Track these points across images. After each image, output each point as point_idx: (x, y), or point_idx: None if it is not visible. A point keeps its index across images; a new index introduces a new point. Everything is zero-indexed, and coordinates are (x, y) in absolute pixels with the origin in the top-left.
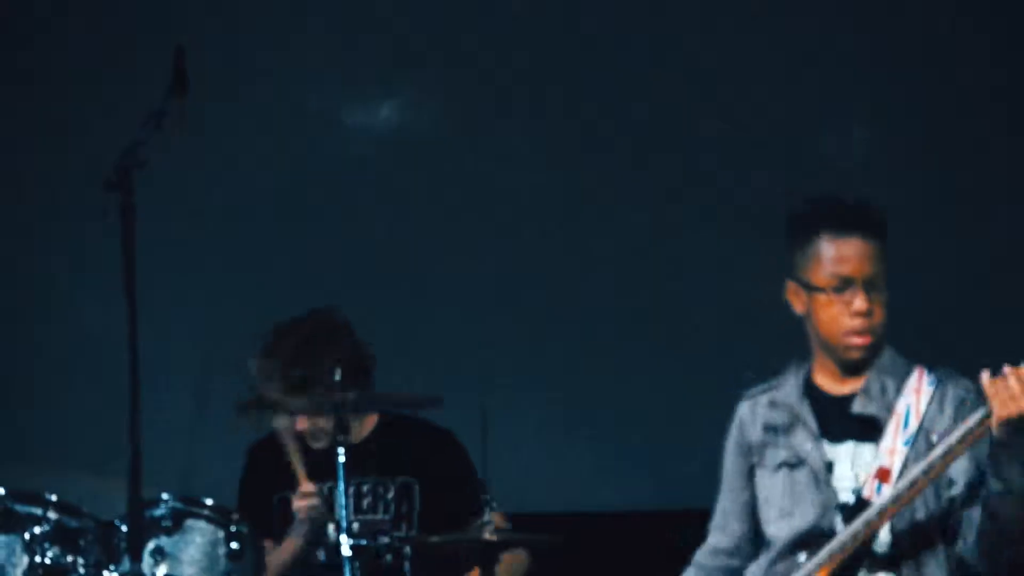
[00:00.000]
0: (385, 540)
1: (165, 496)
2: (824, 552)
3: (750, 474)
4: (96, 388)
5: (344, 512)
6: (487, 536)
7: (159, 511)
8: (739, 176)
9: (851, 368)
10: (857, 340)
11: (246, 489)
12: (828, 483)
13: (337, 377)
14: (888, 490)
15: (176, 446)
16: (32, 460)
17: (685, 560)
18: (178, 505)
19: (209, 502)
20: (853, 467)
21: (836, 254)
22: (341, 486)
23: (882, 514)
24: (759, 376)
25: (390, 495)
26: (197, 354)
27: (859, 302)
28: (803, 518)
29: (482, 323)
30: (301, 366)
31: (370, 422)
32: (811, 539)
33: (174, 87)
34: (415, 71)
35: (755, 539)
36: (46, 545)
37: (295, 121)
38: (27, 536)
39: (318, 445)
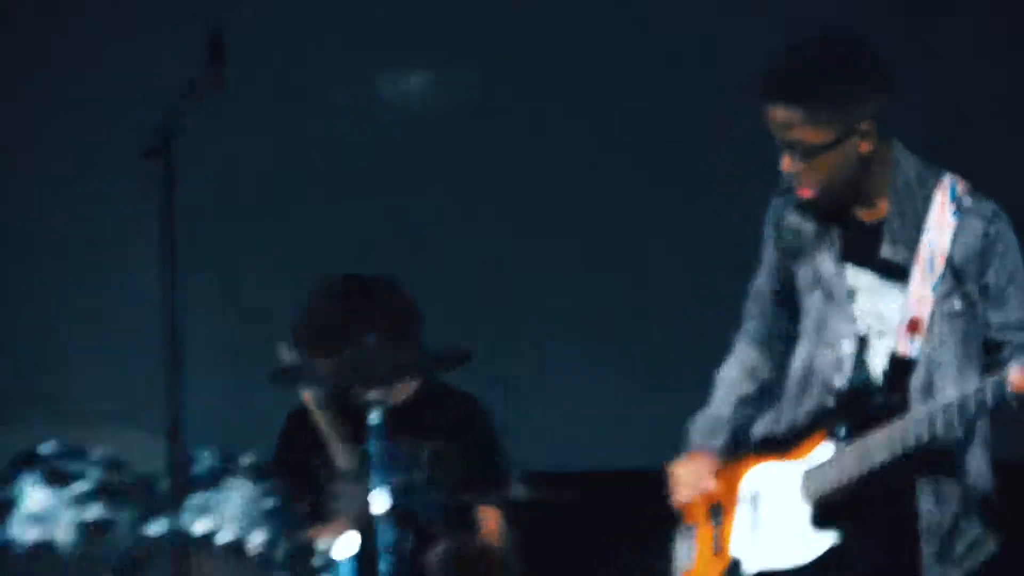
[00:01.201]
0: (418, 500)
1: (206, 453)
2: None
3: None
4: (132, 347)
5: (379, 472)
6: (513, 496)
7: (200, 468)
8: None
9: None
10: (800, 193)
11: (282, 453)
12: (851, 314)
13: (372, 342)
14: (919, 344)
15: (217, 406)
16: (68, 417)
17: None
18: (218, 463)
19: (248, 461)
20: (874, 304)
21: (770, 123)
22: (375, 447)
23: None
24: None
25: (424, 457)
26: (236, 319)
27: (784, 162)
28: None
29: (510, 284)
30: (332, 330)
31: (408, 386)
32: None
33: (211, 56)
34: (453, 39)
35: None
36: (91, 501)
37: (329, 88)
38: (72, 492)
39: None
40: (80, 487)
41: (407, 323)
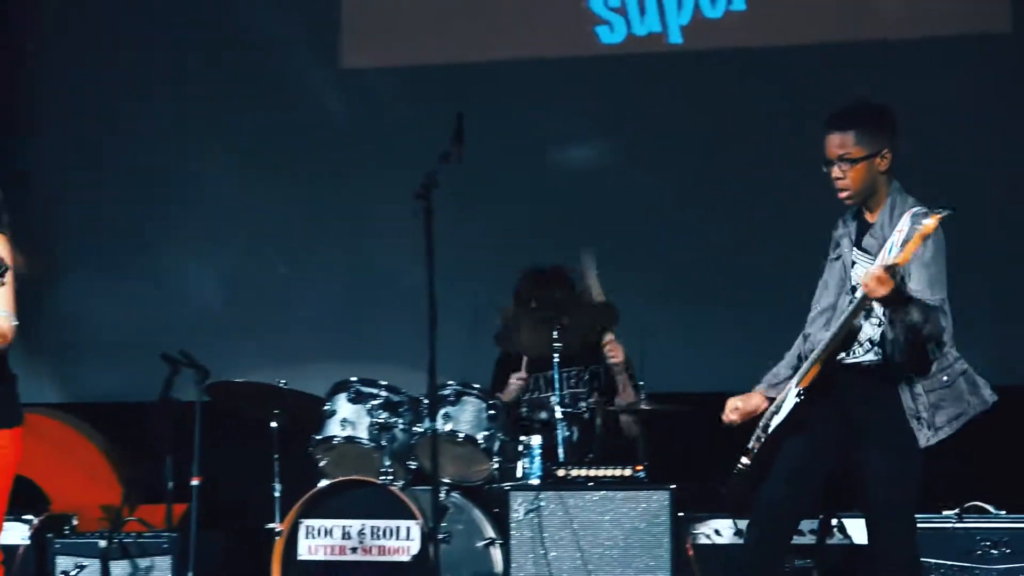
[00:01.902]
0: (582, 405)
1: (450, 382)
2: (821, 344)
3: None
4: (409, 313)
5: (559, 388)
6: (643, 406)
7: (447, 391)
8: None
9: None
10: (840, 195)
11: (498, 379)
12: (851, 276)
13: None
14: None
15: (458, 349)
16: (370, 361)
17: None
18: (458, 387)
19: (477, 386)
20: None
21: (827, 147)
22: (557, 374)
23: (837, 334)
24: None
25: (586, 377)
26: (472, 285)
27: (834, 172)
28: (828, 299)
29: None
30: (536, 299)
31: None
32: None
33: (455, 136)
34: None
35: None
36: (380, 411)
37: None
38: (368, 405)
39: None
40: (373, 402)
41: (577, 298)
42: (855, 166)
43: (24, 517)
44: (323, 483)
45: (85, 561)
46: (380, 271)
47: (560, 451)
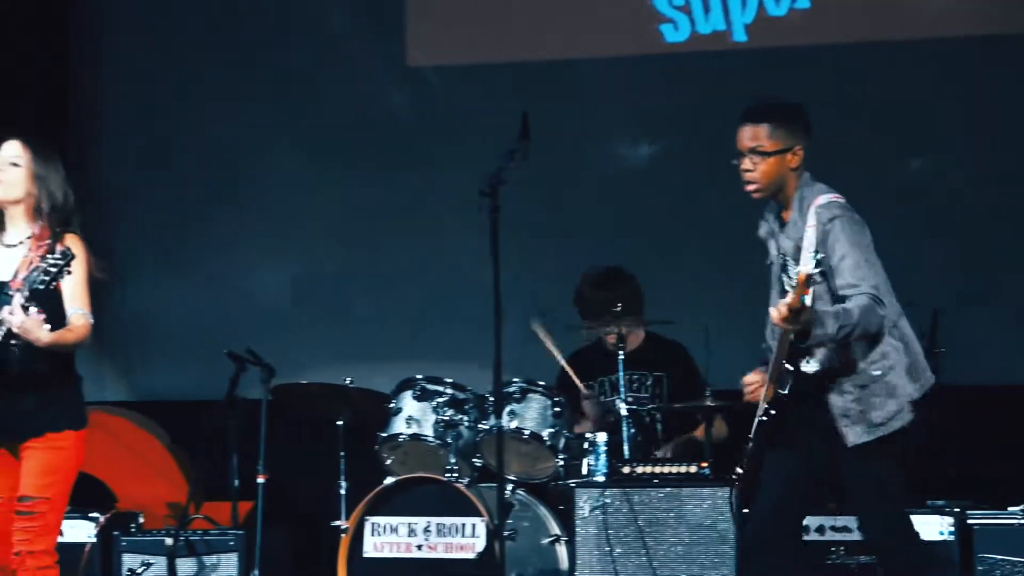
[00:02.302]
0: (646, 408)
1: (516, 380)
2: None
3: None
4: (474, 312)
5: (623, 391)
6: (707, 403)
7: (512, 389)
8: None
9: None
10: (747, 187)
11: (562, 380)
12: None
13: (618, 309)
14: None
15: (523, 346)
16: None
17: None
18: (523, 384)
19: (542, 383)
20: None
21: (739, 139)
22: (622, 377)
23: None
24: None
25: (649, 382)
26: (540, 288)
27: (744, 163)
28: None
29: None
30: (597, 301)
31: (636, 338)
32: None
33: (521, 135)
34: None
35: None
36: (445, 408)
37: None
38: (434, 403)
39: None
40: (439, 399)
41: (638, 298)
42: (766, 159)
43: (91, 515)
44: (389, 480)
45: (151, 559)
46: (447, 269)
47: (625, 448)
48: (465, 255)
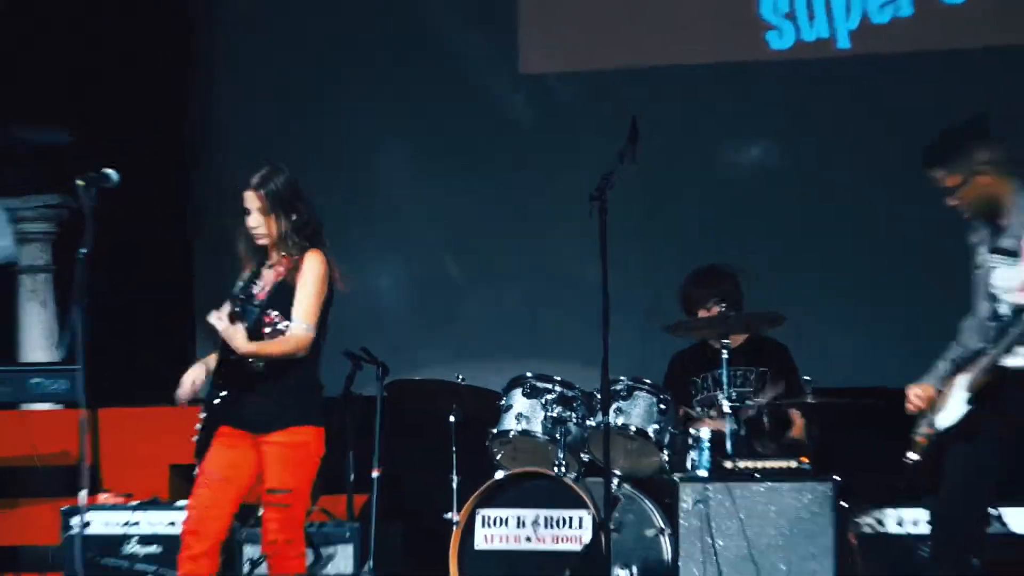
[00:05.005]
0: (749, 402)
1: (623, 377)
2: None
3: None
4: (583, 313)
5: (727, 386)
6: (808, 399)
7: (619, 386)
8: None
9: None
10: (965, 217)
11: (669, 377)
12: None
13: (722, 307)
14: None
15: (630, 345)
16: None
17: None
18: (630, 382)
19: (649, 381)
20: (1003, 278)
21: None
22: (725, 372)
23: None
24: None
25: (752, 377)
26: (646, 288)
27: (949, 201)
28: (976, 307)
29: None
30: (702, 300)
31: (739, 336)
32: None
33: (630, 138)
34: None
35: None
36: (554, 405)
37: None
38: (543, 400)
39: (716, 345)
40: (548, 396)
41: (739, 294)
42: (956, 194)
43: None
44: (499, 474)
45: None
46: (556, 270)
47: (728, 444)
48: (575, 256)
